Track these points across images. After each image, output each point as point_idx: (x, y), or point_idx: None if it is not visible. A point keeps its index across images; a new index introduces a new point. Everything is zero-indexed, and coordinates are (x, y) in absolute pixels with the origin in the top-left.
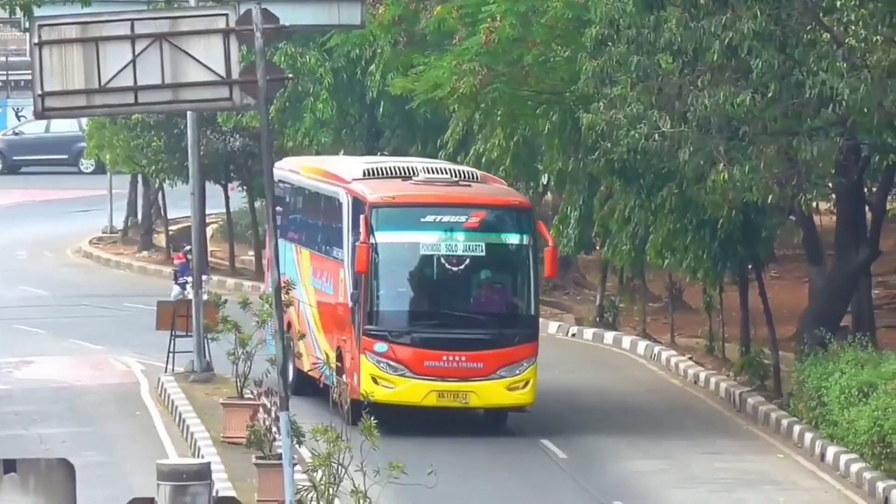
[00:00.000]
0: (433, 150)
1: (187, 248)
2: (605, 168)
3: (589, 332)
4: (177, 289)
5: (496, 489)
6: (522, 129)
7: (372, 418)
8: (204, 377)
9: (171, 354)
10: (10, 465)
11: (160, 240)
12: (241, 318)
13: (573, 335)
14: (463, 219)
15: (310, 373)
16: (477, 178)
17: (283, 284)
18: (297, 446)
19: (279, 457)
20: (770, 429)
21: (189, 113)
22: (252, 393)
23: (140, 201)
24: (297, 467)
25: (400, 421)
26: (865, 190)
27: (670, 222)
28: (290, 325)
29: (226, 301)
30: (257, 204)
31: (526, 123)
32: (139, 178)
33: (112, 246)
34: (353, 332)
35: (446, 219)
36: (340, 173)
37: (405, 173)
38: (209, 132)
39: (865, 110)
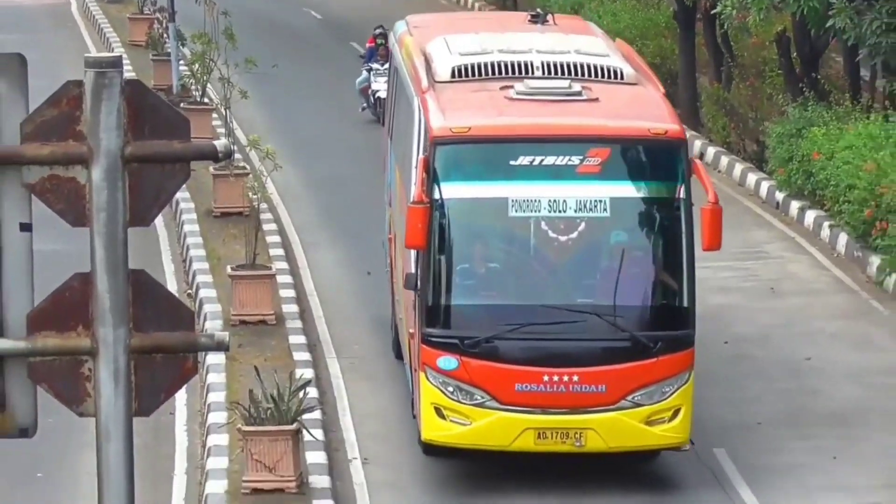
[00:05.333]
0: None
1: (378, 31)
2: None
3: None
4: (364, 74)
5: None
6: None
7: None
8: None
9: None
10: None
11: None
12: None
13: None
14: (576, 160)
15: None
16: (620, 76)
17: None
18: (181, 46)
19: (168, 55)
20: None
21: None
22: (150, 10)
23: None
24: (182, 62)
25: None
26: None
27: None
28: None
29: None
30: None
31: None
32: None
33: None
34: (416, 331)
35: (550, 160)
36: (424, 69)
37: (513, 72)
38: None
39: None
